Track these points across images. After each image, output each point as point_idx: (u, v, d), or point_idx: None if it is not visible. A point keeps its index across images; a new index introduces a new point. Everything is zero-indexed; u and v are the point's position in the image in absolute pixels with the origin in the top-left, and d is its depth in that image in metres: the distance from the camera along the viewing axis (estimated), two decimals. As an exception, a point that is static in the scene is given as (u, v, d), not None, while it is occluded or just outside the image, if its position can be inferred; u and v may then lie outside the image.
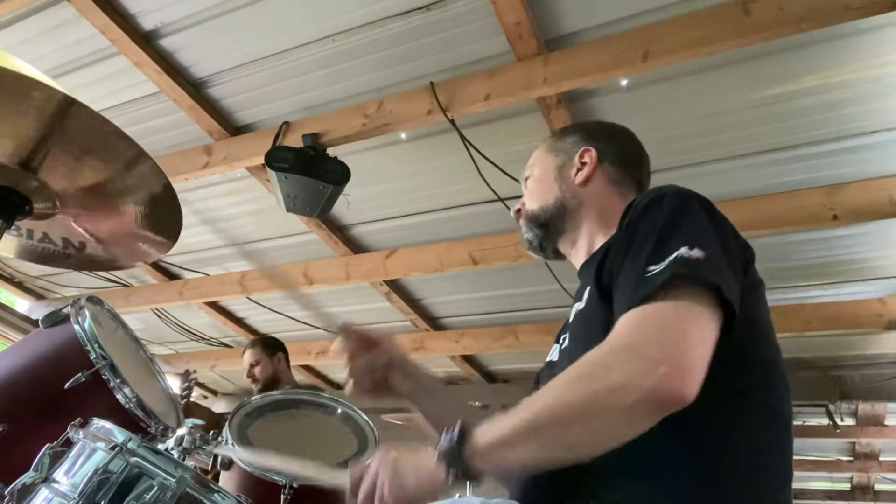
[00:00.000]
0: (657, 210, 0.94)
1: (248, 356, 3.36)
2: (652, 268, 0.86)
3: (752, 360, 0.92)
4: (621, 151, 1.25)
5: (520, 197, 1.32)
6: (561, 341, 1.12)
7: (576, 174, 1.22)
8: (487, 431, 0.85)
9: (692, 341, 0.81)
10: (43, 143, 1.19)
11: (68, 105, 1.13)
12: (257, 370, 3.28)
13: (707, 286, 0.83)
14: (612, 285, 0.94)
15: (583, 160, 1.22)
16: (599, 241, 1.17)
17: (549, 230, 1.23)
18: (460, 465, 0.85)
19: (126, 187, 1.30)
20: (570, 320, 1.10)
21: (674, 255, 0.85)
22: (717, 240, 0.89)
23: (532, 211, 1.25)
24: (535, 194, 1.26)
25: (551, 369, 1.09)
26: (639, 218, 0.95)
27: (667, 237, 0.89)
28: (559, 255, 1.27)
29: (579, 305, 1.07)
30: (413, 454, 0.90)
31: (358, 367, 1.13)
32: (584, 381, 0.82)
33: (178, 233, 1.42)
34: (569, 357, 1.03)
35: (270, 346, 3.41)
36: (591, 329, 0.97)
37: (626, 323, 0.84)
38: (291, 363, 4.98)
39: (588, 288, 1.05)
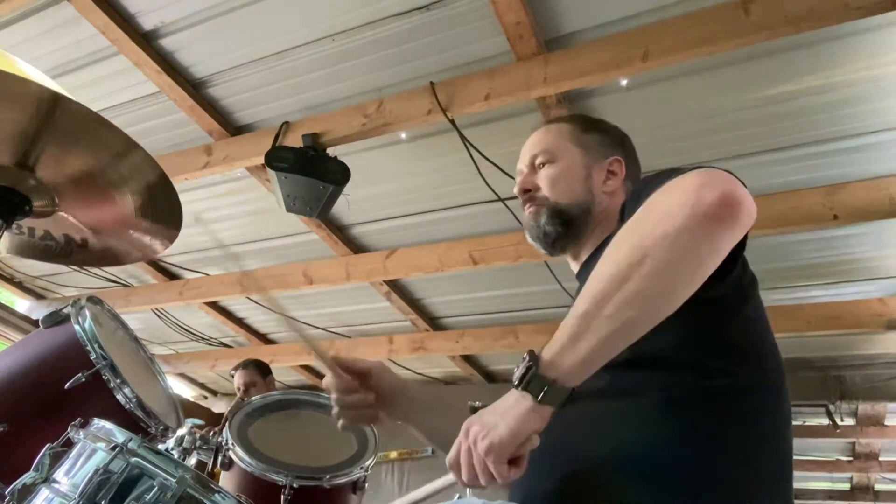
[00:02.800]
0: (663, 171, 0.94)
1: (243, 376, 3.42)
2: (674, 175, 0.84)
3: (753, 357, 0.93)
4: (637, 168, 1.26)
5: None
6: None
7: (605, 181, 1.19)
8: (557, 336, 0.80)
9: (729, 178, 0.78)
10: (36, 140, 1.19)
11: (54, 99, 1.13)
12: (253, 391, 3.33)
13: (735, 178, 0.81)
14: None
15: (612, 169, 1.20)
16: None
17: (570, 229, 1.18)
18: (541, 381, 0.79)
19: (120, 177, 1.29)
20: None
21: (694, 166, 0.84)
22: None
23: (560, 204, 1.18)
24: (562, 187, 1.19)
25: None
26: (642, 189, 0.95)
27: (681, 168, 0.88)
28: (563, 253, 1.24)
29: None
30: (494, 405, 0.84)
31: (346, 404, 1.10)
32: (631, 231, 0.78)
33: (179, 224, 1.41)
34: None
35: (263, 369, 3.48)
36: None
37: (659, 189, 0.81)
38: (291, 363, 5.02)
39: None
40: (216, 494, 0.92)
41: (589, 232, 1.17)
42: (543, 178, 1.22)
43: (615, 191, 1.19)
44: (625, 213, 0.99)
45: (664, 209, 0.76)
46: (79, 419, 1.04)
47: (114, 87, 2.83)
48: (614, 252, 0.79)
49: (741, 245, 0.92)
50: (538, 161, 1.24)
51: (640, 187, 0.99)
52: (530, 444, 0.81)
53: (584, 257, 1.19)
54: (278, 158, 2.60)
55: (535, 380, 0.79)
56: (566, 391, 0.79)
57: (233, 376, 3.53)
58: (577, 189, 1.18)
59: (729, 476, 0.85)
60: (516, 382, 0.81)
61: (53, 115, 1.16)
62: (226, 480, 1.78)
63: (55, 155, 1.24)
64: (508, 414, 0.81)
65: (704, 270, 0.75)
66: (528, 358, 0.81)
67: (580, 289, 1.12)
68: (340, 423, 1.11)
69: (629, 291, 0.75)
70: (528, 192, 1.22)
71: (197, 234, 3.73)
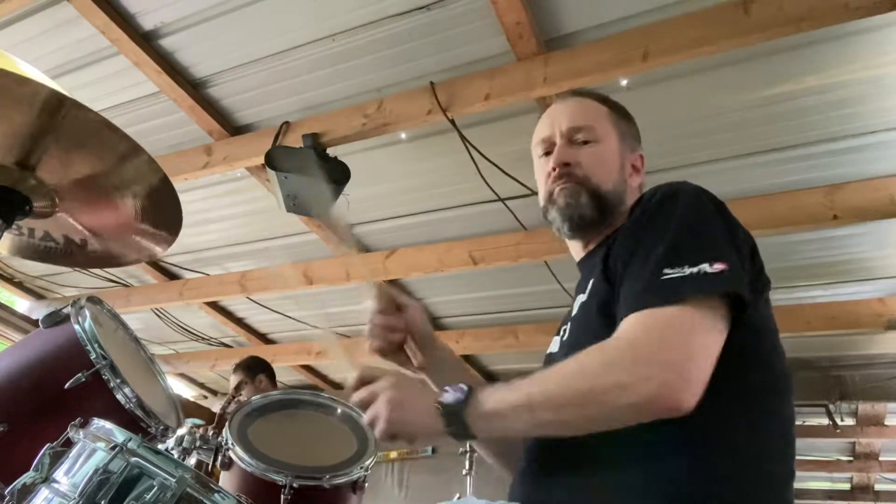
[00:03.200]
0: (672, 207, 0.94)
1: (233, 380, 3.40)
2: (668, 272, 0.86)
3: (758, 362, 0.92)
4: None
5: (520, 197, 1.31)
6: (562, 333, 1.12)
7: (631, 175, 1.17)
8: (490, 399, 0.89)
9: (699, 352, 0.82)
10: (38, 141, 1.19)
11: (59, 101, 1.13)
12: (244, 394, 3.32)
13: (725, 295, 0.85)
14: (617, 275, 0.94)
15: (636, 164, 1.19)
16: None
17: (603, 216, 1.11)
18: (459, 424, 0.89)
19: (122, 181, 1.29)
20: (574, 313, 1.10)
21: (696, 269, 0.85)
22: (731, 245, 0.90)
23: (601, 189, 1.11)
24: (604, 172, 1.12)
25: (551, 361, 1.08)
26: (653, 212, 0.95)
27: (685, 243, 0.89)
28: (580, 239, 1.18)
29: (582, 297, 1.06)
30: (419, 395, 0.96)
31: (378, 325, 1.17)
32: (587, 375, 0.85)
33: (179, 227, 1.41)
34: (569, 348, 1.03)
35: (251, 369, 3.43)
36: (594, 319, 0.97)
37: (635, 323, 0.85)
38: (291, 363, 4.99)
39: (592, 280, 1.04)
40: (216, 494, 0.92)
41: (612, 220, 1.12)
42: (587, 156, 1.13)
43: (636, 187, 1.17)
44: (635, 212, 1.00)
45: (618, 383, 0.81)
46: (79, 419, 1.04)
47: (114, 87, 2.83)
48: (569, 378, 0.86)
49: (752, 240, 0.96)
50: (580, 136, 1.14)
51: (642, 205, 1.00)
52: (414, 443, 0.97)
53: (591, 247, 1.17)
54: (278, 158, 2.60)
55: (456, 418, 0.89)
56: (471, 437, 0.91)
57: None
58: (615, 176, 1.13)
59: (731, 478, 0.84)
60: (442, 406, 0.90)
61: (57, 116, 1.15)
62: (226, 480, 1.78)
63: (59, 157, 1.23)
64: (419, 418, 0.93)
65: (618, 428, 0.84)
66: (463, 395, 0.90)
67: (583, 280, 1.12)
68: (369, 344, 1.18)
69: (555, 419, 0.86)
70: (569, 167, 1.12)
71: (197, 235, 3.73)
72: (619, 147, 1.16)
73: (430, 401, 0.92)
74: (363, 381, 1.00)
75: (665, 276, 0.85)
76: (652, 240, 0.91)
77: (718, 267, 0.85)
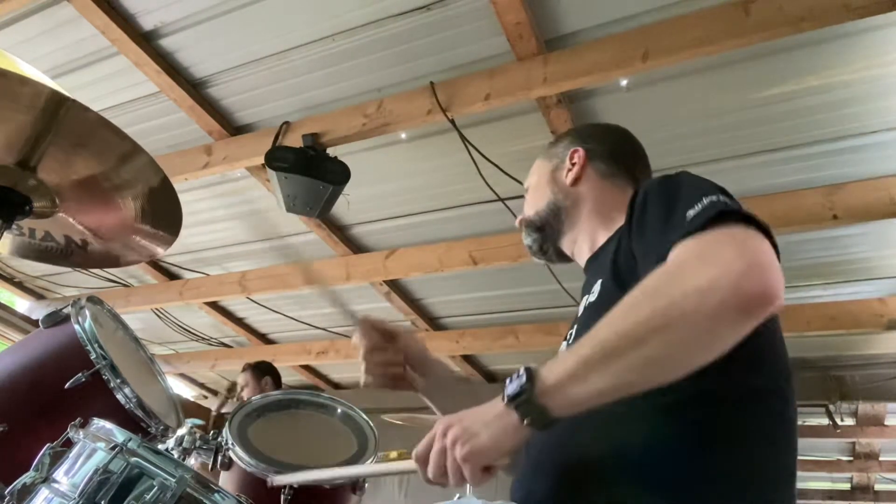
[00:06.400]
0: (675, 182, 0.94)
1: (240, 380, 3.52)
2: (691, 212, 0.83)
3: (762, 362, 0.92)
4: (610, 147, 1.27)
5: (520, 197, 1.34)
6: (569, 337, 1.12)
7: (566, 175, 1.25)
8: (557, 366, 0.79)
9: (765, 250, 0.76)
10: (39, 141, 1.19)
11: (60, 101, 1.13)
12: (245, 393, 3.44)
13: (756, 224, 0.80)
14: (632, 264, 0.93)
15: (573, 161, 1.25)
16: (601, 235, 1.17)
17: (545, 233, 1.26)
18: (533, 406, 0.78)
19: (123, 182, 1.30)
20: (580, 314, 1.10)
21: (712, 198, 0.83)
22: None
23: (528, 217, 1.29)
24: (532, 201, 1.30)
25: None
26: (656, 192, 0.94)
27: (696, 193, 0.86)
28: (563, 257, 1.28)
29: (590, 298, 1.06)
30: (476, 410, 0.84)
31: (373, 362, 1.15)
32: (657, 293, 0.75)
33: (179, 227, 1.42)
34: None
35: (258, 370, 3.54)
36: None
37: (687, 244, 0.79)
38: (291, 363, 5.02)
39: (600, 280, 1.04)
40: (216, 494, 0.92)
41: (570, 224, 1.23)
42: (525, 203, 1.32)
43: (580, 175, 1.24)
44: (633, 211, 0.97)
45: (698, 284, 0.73)
46: (78, 419, 1.04)
47: (114, 87, 2.83)
48: (635, 307, 0.77)
49: None
50: (526, 191, 1.34)
51: (645, 190, 0.97)
52: (505, 458, 0.82)
53: (584, 250, 1.21)
54: (278, 158, 2.61)
55: (527, 403, 0.79)
56: (552, 420, 0.79)
57: None
58: (542, 197, 1.27)
59: (729, 480, 0.84)
60: (508, 398, 0.80)
61: (57, 116, 1.15)
62: (226, 480, 1.78)
63: (59, 157, 1.24)
64: (492, 426, 0.81)
65: (719, 353, 0.75)
66: (524, 376, 0.80)
67: (589, 281, 1.12)
68: (364, 380, 1.16)
69: (640, 357, 0.74)
70: (521, 221, 1.32)
71: (197, 235, 3.73)
72: (546, 170, 1.29)
73: (491, 408, 0.82)
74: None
75: (690, 215, 0.82)
76: (665, 207, 0.89)
77: (734, 204, 0.83)
